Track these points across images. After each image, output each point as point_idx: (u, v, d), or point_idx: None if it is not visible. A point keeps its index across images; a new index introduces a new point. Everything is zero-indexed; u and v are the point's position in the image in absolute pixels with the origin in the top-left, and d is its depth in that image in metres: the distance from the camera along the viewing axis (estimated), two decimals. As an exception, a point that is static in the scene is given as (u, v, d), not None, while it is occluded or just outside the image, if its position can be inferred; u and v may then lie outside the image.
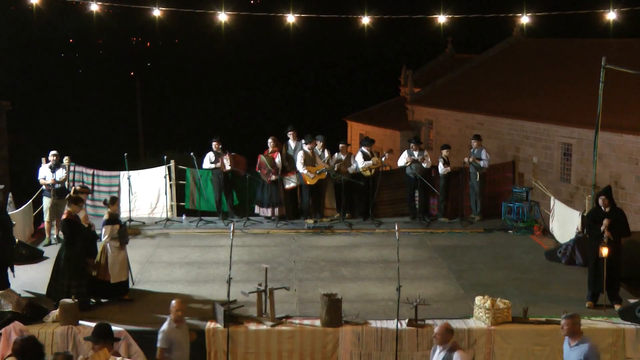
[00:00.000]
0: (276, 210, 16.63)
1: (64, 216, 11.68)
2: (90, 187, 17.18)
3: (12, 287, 11.67)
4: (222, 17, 19.29)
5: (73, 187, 13.15)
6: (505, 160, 22.05)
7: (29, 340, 7.32)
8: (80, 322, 10.74)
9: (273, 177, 16.36)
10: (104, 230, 11.77)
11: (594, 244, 11.56)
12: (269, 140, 16.71)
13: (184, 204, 17.43)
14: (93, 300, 11.67)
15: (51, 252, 14.29)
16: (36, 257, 14.03)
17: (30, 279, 12.82)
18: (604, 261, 11.24)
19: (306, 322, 10.96)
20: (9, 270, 11.85)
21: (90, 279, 11.57)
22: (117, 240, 11.79)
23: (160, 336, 9.11)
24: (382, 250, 14.67)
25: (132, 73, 61.86)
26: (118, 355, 8.11)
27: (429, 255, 14.56)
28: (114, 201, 12.11)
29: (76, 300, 10.90)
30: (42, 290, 11.93)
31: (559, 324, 10.72)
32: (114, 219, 11.91)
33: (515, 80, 33.50)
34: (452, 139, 31.98)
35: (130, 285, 12.28)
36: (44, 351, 7.42)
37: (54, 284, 11.48)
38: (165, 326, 9.18)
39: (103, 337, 7.85)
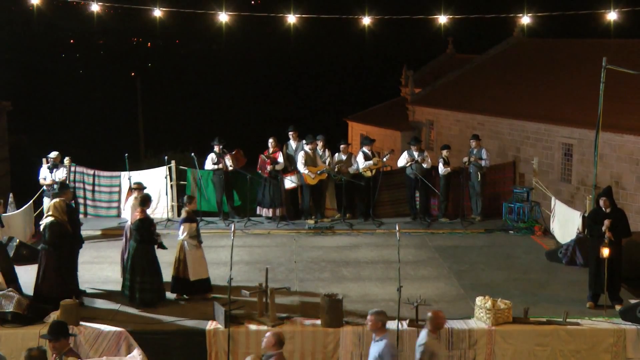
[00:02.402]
0: (277, 210, 16.65)
1: (138, 216, 11.76)
2: (91, 187, 17.27)
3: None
4: (223, 17, 19.30)
5: (129, 186, 13.16)
6: (506, 161, 22.05)
7: None
8: (81, 322, 10.75)
9: (269, 168, 16.36)
10: (182, 228, 11.88)
11: (595, 244, 11.55)
12: (270, 141, 16.73)
13: (185, 204, 17.42)
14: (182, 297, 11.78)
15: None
16: (37, 257, 13.97)
17: (31, 278, 12.76)
18: (605, 262, 11.24)
19: (307, 322, 10.96)
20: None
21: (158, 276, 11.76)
22: (195, 238, 11.91)
23: (421, 349, 8.63)
24: (383, 251, 14.67)
25: (132, 73, 61.88)
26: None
27: (430, 255, 14.56)
28: (192, 200, 12.25)
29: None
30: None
31: (560, 325, 10.80)
32: (191, 217, 12.02)
33: (516, 80, 33.49)
34: (452, 139, 31.97)
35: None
36: None
37: (128, 284, 11.64)
38: (424, 339, 8.69)
39: (63, 334, 8.12)
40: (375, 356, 8.58)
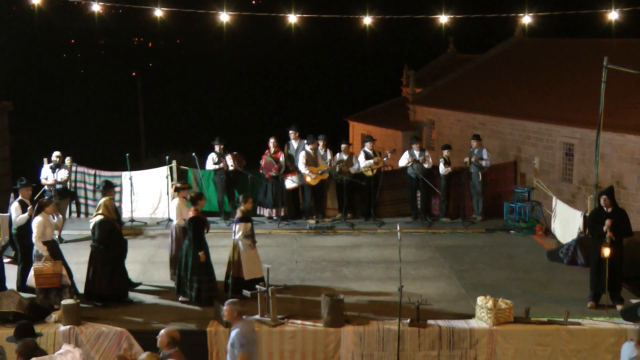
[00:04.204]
0: (278, 210, 16.65)
1: (191, 214, 11.79)
2: (92, 187, 17.25)
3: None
4: (224, 17, 19.30)
5: (174, 185, 13.20)
6: (507, 160, 22.04)
7: None
8: (82, 322, 10.77)
9: (273, 173, 16.40)
10: (237, 227, 11.95)
11: (596, 244, 11.56)
12: (271, 141, 16.73)
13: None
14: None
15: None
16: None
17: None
18: (606, 261, 11.24)
19: (308, 322, 10.96)
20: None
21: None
22: (250, 237, 11.96)
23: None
24: (384, 251, 14.68)
25: (133, 73, 61.88)
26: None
27: (431, 255, 14.57)
28: (247, 199, 12.28)
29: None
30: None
31: (561, 324, 10.81)
32: (246, 216, 12.08)
33: (517, 80, 33.47)
34: (453, 139, 31.96)
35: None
36: None
37: (184, 282, 11.70)
38: (634, 352, 8.53)
39: (28, 335, 8.09)
40: (229, 344, 8.87)
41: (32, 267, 11.41)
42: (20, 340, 7.66)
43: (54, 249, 11.68)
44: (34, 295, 11.53)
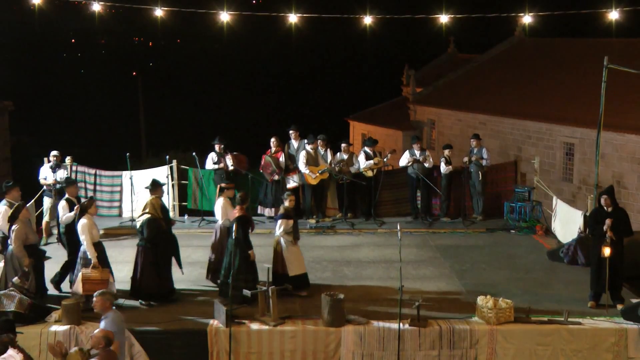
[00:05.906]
0: (279, 209, 16.64)
1: (237, 213, 11.82)
2: (93, 187, 17.24)
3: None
4: (224, 17, 19.30)
5: (219, 186, 13.22)
6: (508, 160, 22.04)
7: None
8: (83, 321, 10.76)
9: (276, 177, 16.41)
10: (279, 223, 12.08)
11: (596, 243, 11.56)
12: (272, 140, 16.74)
13: (186, 203, 17.45)
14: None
15: (52, 252, 14.26)
16: (40, 256, 13.98)
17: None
18: (606, 261, 11.24)
19: (308, 322, 10.96)
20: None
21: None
22: (291, 234, 12.05)
23: None
24: (384, 250, 14.67)
25: (134, 73, 61.91)
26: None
27: (431, 255, 14.56)
28: (289, 197, 12.42)
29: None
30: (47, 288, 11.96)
31: (561, 324, 10.80)
32: (289, 213, 12.18)
33: (518, 80, 33.47)
34: (454, 138, 31.95)
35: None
36: None
37: (227, 281, 11.68)
38: None
39: (6, 330, 8.25)
40: None
41: (80, 273, 11.22)
42: None
43: (102, 253, 11.61)
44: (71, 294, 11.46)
